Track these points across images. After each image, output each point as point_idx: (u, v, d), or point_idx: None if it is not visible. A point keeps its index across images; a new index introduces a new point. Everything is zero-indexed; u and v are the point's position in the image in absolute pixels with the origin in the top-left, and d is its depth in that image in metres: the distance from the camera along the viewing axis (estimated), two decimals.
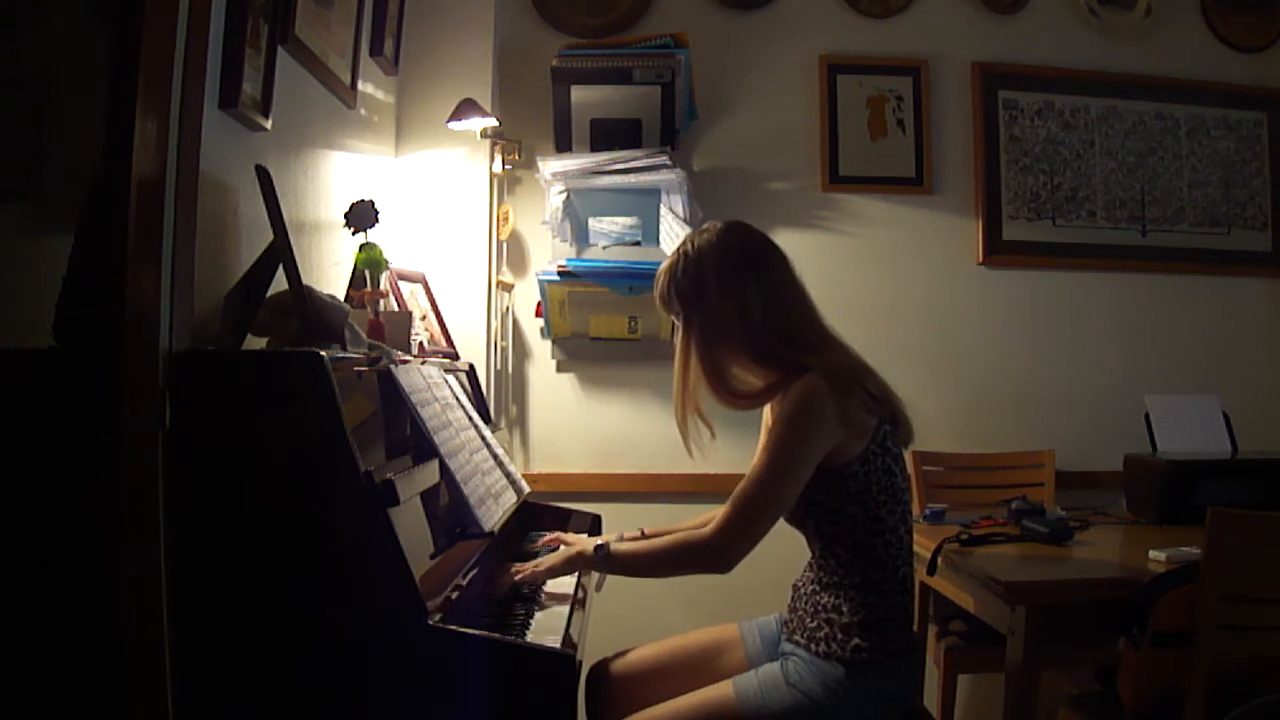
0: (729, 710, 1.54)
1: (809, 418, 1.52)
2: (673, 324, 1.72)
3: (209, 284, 1.51)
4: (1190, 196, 3.09)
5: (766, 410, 1.75)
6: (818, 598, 1.62)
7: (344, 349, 1.59)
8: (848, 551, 1.59)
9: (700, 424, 1.70)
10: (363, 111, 2.35)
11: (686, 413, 1.68)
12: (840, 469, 1.56)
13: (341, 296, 1.99)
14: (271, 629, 1.32)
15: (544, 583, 1.72)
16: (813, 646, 1.58)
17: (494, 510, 1.70)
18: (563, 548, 1.74)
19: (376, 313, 1.98)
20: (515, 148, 2.74)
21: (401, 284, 2.32)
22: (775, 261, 1.67)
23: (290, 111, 1.85)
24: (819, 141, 2.95)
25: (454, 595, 1.44)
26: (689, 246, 1.66)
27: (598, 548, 1.64)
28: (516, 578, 1.66)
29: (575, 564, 1.67)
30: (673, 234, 2.58)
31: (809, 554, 1.70)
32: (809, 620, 1.61)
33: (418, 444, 1.64)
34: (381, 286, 2.11)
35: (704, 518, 1.89)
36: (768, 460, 1.54)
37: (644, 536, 1.87)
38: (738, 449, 1.84)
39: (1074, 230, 3.02)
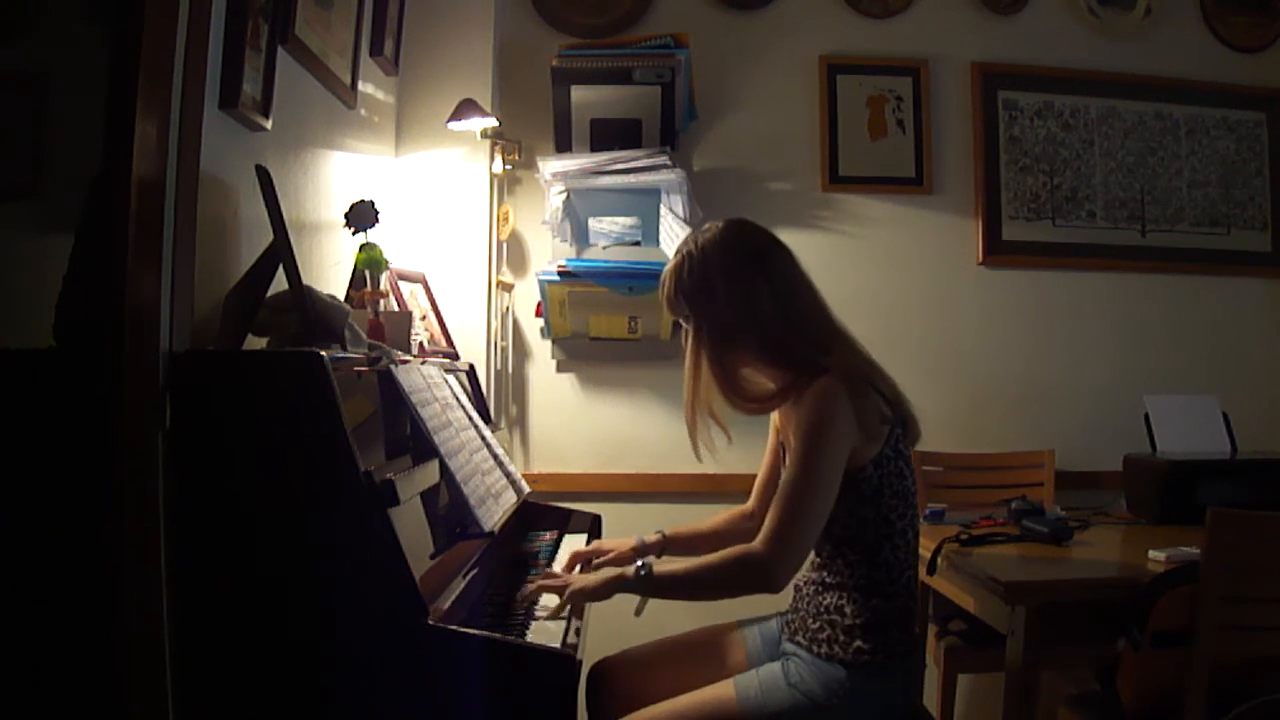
0: (729, 709, 1.54)
1: (831, 423, 1.50)
2: (681, 327, 1.68)
3: (209, 284, 1.51)
4: (1190, 196, 3.09)
5: (776, 411, 1.74)
6: (820, 598, 1.62)
7: (344, 349, 1.59)
8: (856, 554, 1.58)
9: (713, 427, 1.67)
10: (363, 111, 2.35)
11: (696, 416, 1.64)
12: (854, 473, 1.55)
13: (341, 296, 1.99)
14: (272, 629, 1.32)
15: (583, 606, 1.58)
16: (814, 648, 1.57)
17: (494, 510, 1.70)
18: (603, 570, 1.64)
19: (376, 313, 1.98)
20: (515, 148, 2.74)
21: (401, 284, 2.32)
22: (782, 256, 1.64)
23: (290, 111, 1.85)
24: (819, 141, 2.95)
25: (454, 595, 1.44)
26: (692, 246, 1.62)
27: (639, 568, 1.53)
28: (561, 607, 1.52)
29: (614, 588, 1.55)
30: (673, 234, 2.58)
31: (812, 555, 1.69)
32: (811, 621, 1.61)
33: (418, 444, 1.64)
34: (381, 286, 2.11)
35: (742, 509, 1.89)
36: (799, 473, 1.50)
37: (664, 538, 1.87)
38: (739, 449, 1.83)
39: (1074, 230, 3.02)
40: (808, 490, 1.49)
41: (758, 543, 1.48)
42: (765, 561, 1.46)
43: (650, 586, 1.54)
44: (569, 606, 1.54)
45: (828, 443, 1.50)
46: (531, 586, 1.62)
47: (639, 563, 1.55)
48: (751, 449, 1.88)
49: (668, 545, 1.86)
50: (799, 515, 1.48)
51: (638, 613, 1.65)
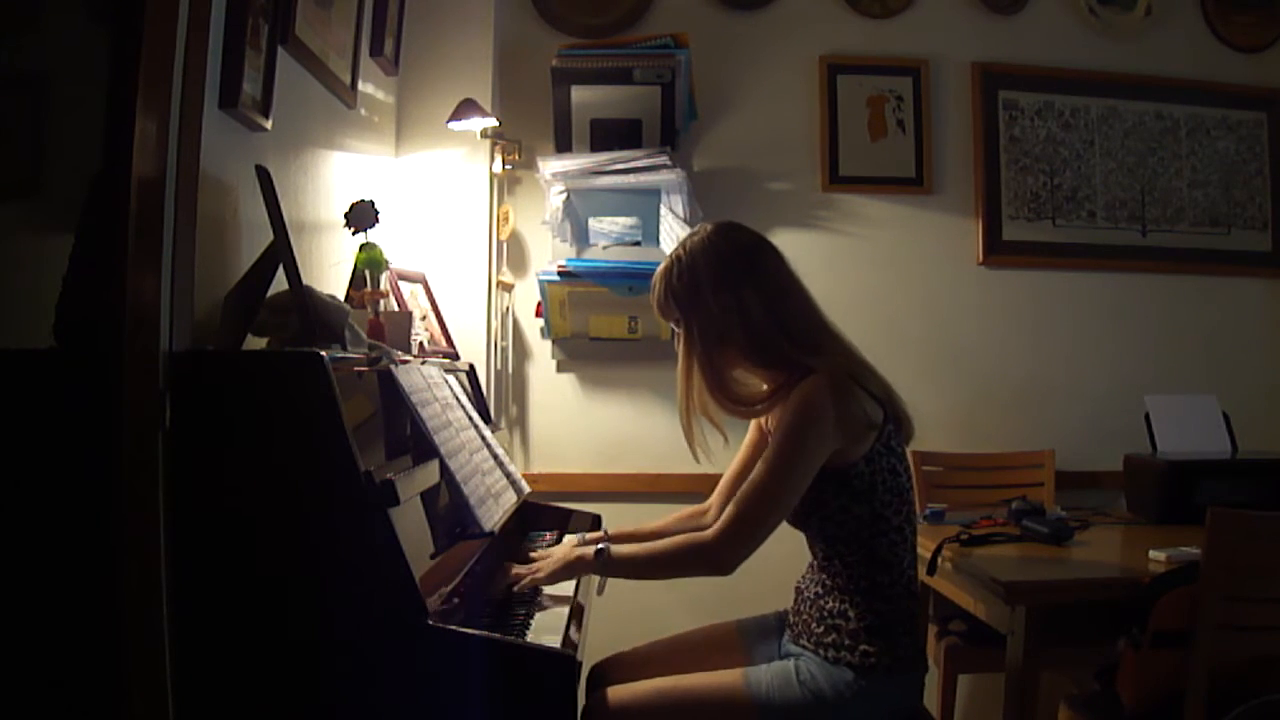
0: (738, 695, 1.55)
1: (809, 425, 1.51)
2: (672, 330, 1.71)
3: (209, 284, 1.51)
4: (1190, 196, 3.09)
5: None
6: (822, 602, 1.62)
7: (344, 349, 1.59)
8: (852, 554, 1.58)
9: (708, 428, 1.69)
10: (363, 111, 2.35)
11: (691, 418, 1.67)
12: (844, 469, 1.55)
13: (341, 296, 1.99)
14: (272, 629, 1.32)
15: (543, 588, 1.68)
16: (821, 652, 1.58)
17: (494, 510, 1.70)
18: (561, 551, 1.70)
19: (376, 313, 1.99)
20: (515, 148, 2.74)
21: (401, 284, 2.32)
22: (770, 259, 1.65)
23: (290, 111, 1.85)
24: (819, 141, 2.95)
25: (454, 595, 1.44)
26: (682, 251, 1.65)
27: (598, 551, 1.60)
28: (515, 587, 1.62)
29: (575, 568, 1.63)
30: (673, 234, 2.59)
31: (810, 557, 1.70)
32: (815, 626, 1.61)
33: (418, 444, 1.64)
34: (381, 286, 2.11)
35: (698, 508, 1.90)
36: (769, 467, 1.52)
37: (609, 538, 1.86)
38: (738, 450, 1.84)
39: (1074, 230, 3.02)
40: (773, 490, 1.51)
41: (712, 532, 1.53)
42: (717, 554, 1.52)
43: (609, 568, 1.60)
44: (531, 582, 1.61)
45: (803, 444, 1.51)
46: (507, 584, 1.64)
47: (599, 545, 1.61)
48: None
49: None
50: (757, 512, 1.51)
51: (599, 592, 1.72)
